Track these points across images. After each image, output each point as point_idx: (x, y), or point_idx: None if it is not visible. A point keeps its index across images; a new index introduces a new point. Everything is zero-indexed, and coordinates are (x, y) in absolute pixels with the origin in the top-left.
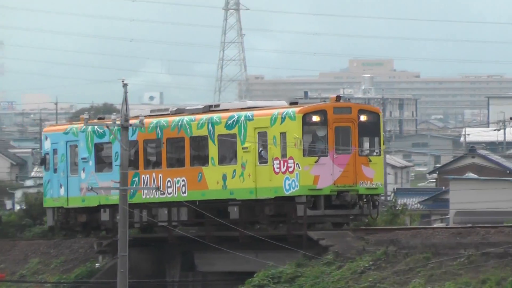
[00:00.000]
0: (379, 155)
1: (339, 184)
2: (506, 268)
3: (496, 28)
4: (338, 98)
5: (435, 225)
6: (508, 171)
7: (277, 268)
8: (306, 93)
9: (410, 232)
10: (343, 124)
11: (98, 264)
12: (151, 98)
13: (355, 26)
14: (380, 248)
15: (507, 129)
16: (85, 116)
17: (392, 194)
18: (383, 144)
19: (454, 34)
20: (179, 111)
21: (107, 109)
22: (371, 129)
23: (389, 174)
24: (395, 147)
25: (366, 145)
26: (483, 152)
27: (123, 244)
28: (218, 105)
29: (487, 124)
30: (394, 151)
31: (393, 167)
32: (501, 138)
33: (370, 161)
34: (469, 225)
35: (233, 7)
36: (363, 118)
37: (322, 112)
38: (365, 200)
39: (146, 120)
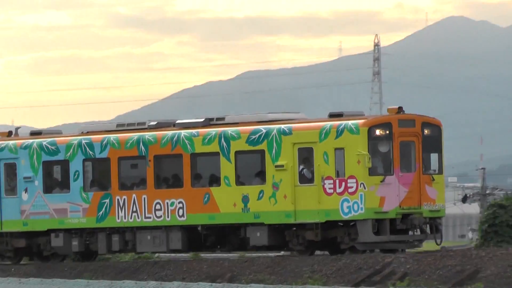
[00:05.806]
0: (441, 173)
1: (404, 206)
2: None
3: None
4: (400, 109)
5: None
6: None
7: None
8: None
9: None
10: (408, 138)
11: None
12: None
13: None
14: None
15: None
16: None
17: None
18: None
19: None
20: (161, 126)
21: None
22: (433, 144)
23: None
24: None
25: (429, 162)
26: None
27: None
28: (222, 118)
29: None
30: None
31: None
32: None
33: (433, 180)
34: None
35: None
36: (426, 131)
37: (387, 125)
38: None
39: (120, 136)
